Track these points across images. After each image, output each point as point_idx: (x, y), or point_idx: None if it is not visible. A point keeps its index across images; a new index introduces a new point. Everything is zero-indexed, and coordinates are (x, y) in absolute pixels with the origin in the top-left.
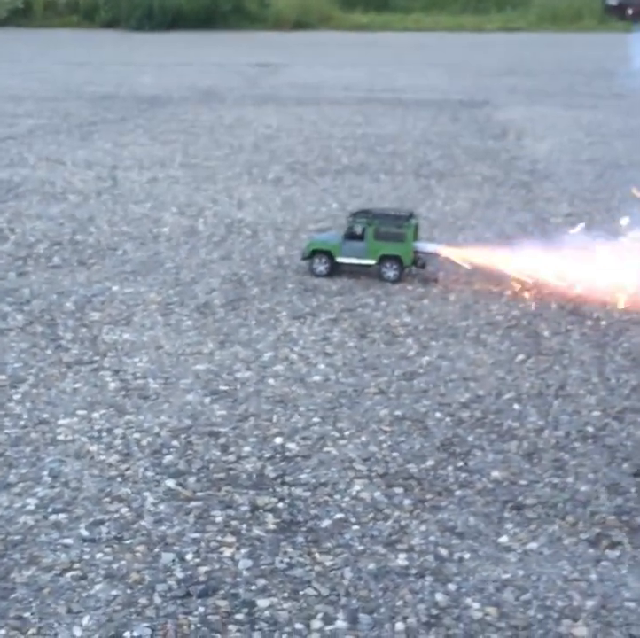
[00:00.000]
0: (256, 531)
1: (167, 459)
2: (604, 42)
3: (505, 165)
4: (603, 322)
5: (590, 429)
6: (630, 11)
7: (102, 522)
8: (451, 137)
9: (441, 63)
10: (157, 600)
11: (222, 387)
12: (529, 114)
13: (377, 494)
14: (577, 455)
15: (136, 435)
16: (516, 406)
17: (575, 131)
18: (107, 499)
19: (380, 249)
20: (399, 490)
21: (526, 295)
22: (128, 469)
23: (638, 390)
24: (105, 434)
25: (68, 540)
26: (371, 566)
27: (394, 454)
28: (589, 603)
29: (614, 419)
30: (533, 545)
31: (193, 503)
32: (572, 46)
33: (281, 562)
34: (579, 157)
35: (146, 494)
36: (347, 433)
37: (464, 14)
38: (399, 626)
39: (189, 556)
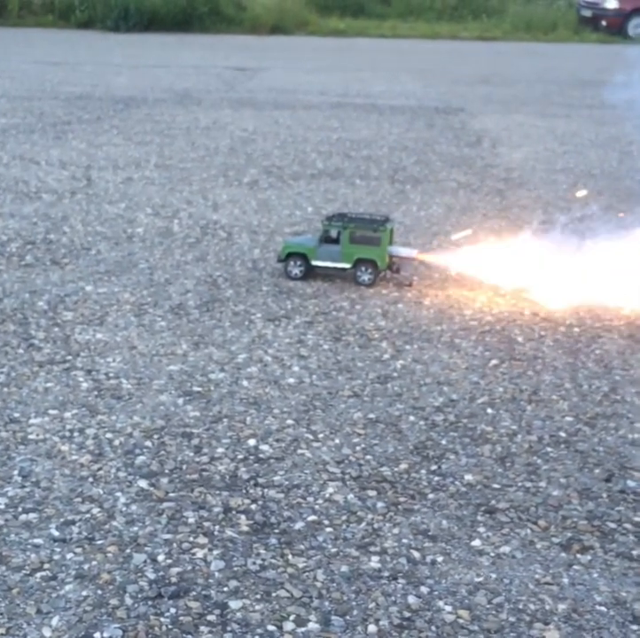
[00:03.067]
0: (229, 532)
1: (140, 460)
2: (578, 52)
3: (480, 172)
4: (576, 329)
5: (563, 434)
6: (604, 23)
7: (73, 522)
8: (426, 144)
9: (417, 70)
10: (128, 601)
11: (196, 388)
12: (504, 122)
13: (350, 496)
14: (549, 460)
15: (109, 435)
16: (489, 410)
17: (550, 140)
18: (78, 499)
19: (355, 253)
20: (372, 493)
21: (500, 301)
22: (100, 469)
23: (610, 396)
24: (76, 434)
25: (38, 540)
26: (344, 569)
27: (368, 457)
28: (561, 607)
29: (586, 425)
30: (505, 548)
31: (166, 504)
32: (546, 56)
33: (253, 563)
34: (553, 166)
35: (118, 494)
36: (320, 436)
37: (440, 22)
38: (371, 628)
39: (161, 557)
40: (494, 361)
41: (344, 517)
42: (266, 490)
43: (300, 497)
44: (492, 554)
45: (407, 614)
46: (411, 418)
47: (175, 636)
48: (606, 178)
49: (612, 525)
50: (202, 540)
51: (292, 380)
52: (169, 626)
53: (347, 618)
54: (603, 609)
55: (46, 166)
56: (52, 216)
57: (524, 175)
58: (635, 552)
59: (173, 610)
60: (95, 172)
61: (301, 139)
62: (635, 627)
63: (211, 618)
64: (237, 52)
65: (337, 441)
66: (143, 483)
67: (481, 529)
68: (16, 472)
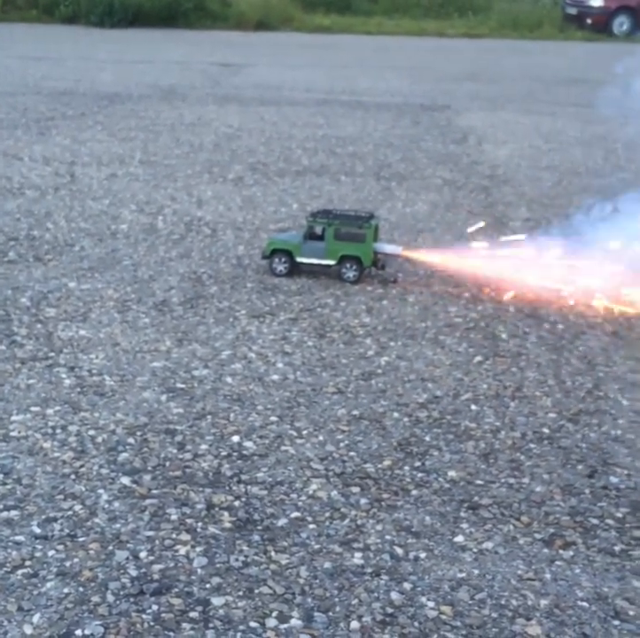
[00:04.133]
0: (212, 529)
1: (123, 456)
2: (564, 50)
3: (465, 169)
4: (559, 326)
5: (546, 430)
6: (589, 21)
7: (55, 519)
8: (412, 140)
9: (403, 67)
10: (110, 598)
11: (180, 385)
12: (490, 120)
13: (333, 493)
14: (533, 456)
15: (91, 432)
16: (473, 407)
17: (535, 138)
18: (61, 496)
19: (340, 249)
20: (356, 489)
21: (484, 298)
22: (82, 466)
23: (593, 393)
24: (59, 431)
25: (20, 538)
26: (327, 565)
27: (352, 453)
28: (543, 602)
29: (569, 421)
30: (488, 544)
31: (148, 501)
32: (532, 53)
33: (236, 560)
34: (538, 163)
35: (101, 491)
36: (304, 432)
37: (426, 19)
38: (354, 624)
39: (143, 554)
40: (478, 358)
41: (327, 514)
42: (249, 487)
43: (284, 494)
44: (475, 550)
45: (390, 610)
46: (395, 415)
47: (157, 633)
48: (591, 176)
49: (595, 521)
50: (185, 536)
51: (276, 377)
52: (151, 623)
53: (330, 614)
54: (585, 604)
55: (29, 162)
56: (35, 212)
57: (509, 173)
58: (617, 548)
59: (155, 607)
60: (79, 168)
61: (287, 136)
62: (616, 623)
63: (193, 614)
64: (222, 48)
65: (320, 438)
66: (125, 480)
67: (464, 525)
68: None
